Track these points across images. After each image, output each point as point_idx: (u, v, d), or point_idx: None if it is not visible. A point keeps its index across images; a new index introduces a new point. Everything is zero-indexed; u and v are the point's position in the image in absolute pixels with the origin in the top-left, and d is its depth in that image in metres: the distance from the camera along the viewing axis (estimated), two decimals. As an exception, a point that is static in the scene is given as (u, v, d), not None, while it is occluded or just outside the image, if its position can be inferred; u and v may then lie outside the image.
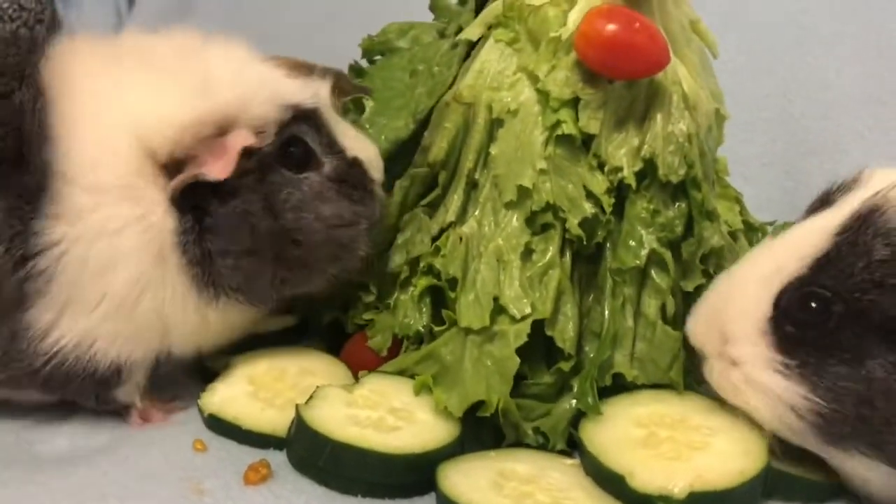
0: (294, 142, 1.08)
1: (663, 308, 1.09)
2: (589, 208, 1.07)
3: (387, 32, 1.25)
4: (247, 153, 1.03)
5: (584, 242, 1.07)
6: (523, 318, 1.04)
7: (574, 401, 1.06)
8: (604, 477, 0.99)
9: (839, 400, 0.93)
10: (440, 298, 1.10)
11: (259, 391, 1.11)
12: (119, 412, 1.11)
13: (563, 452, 1.06)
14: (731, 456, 0.98)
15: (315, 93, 1.11)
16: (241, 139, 1.02)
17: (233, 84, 1.05)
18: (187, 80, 1.04)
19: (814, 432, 0.96)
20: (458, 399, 1.03)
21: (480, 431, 1.06)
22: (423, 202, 1.16)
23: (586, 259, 1.10)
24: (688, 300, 1.09)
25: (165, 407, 1.13)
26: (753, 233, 1.16)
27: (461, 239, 1.09)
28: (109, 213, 0.99)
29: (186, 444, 1.06)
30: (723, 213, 1.14)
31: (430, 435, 1.02)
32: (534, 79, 1.09)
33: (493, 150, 1.09)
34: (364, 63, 1.26)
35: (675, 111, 1.09)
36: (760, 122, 1.22)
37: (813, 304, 0.94)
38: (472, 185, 1.12)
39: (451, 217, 1.12)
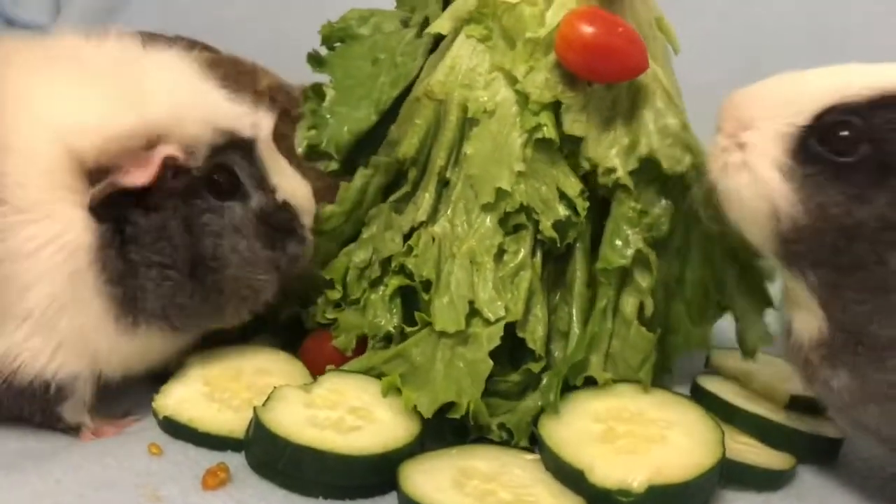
0: (222, 169, 1.06)
1: (641, 308, 1.10)
2: (562, 210, 1.07)
3: (347, 19, 1.23)
4: (175, 172, 1.01)
5: (557, 244, 1.07)
6: (497, 320, 1.04)
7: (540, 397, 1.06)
8: (563, 472, 0.99)
9: (822, 221, 0.92)
10: (411, 298, 1.09)
11: (215, 392, 1.10)
12: (69, 431, 1.08)
13: (523, 448, 1.06)
14: (688, 449, 1.00)
15: (255, 123, 1.09)
16: (166, 150, 1.00)
17: (166, 99, 1.02)
18: (120, 90, 1.02)
19: (778, 240, 0.95)
20: (427, 399, 1.02)
21: (442, 428, 1.06)
22: (392, 198, 1.15)
23: (554, 258, 1.10)
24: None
25: (118, 423, 1.10)
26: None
27: (433, 239, 1.08)
28: (28, 233, 0.98)
29: (141, 449, 1.04)
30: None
31: (390, 434, 1.02)
32: (511, 79, 1.07)
33: (468, 150, 1.07)
34: (324, 50, 1.23)
35: (662, 106, 1.09)
36: (710, 112, 1.23)
37: (845, 133, 0.92)
38: (444, 184, 1.10)
39: (421, 216, 1.10)
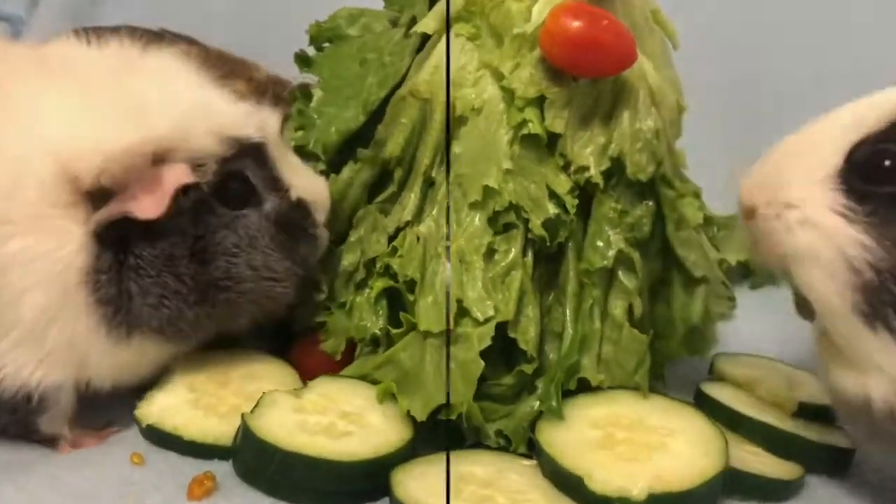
0: (234, 177, 1.02)
1: (630, 309, 1.07)
2: (552, 209, 1.05)
3: (336, 19, 1.22)
4: (184, 190, 0.97)
5: (548, 243, 1.05)
6: (487, 320, 1.02)
7: (537, 402, 1.04)
8: (562, 478, 0.97)
9: None
10: (397, 300, 1.07)
11: (201, 398, 1.06)
12: (46, 443, 1.03)
13: (520, 453, 1.03)
14: (690, 457, 0.97)
15: (262, 124, 1.05)
16: (177, 176, 0.96)
17: (170, 111, 0.98)
18: (121, 102, 0.97)
19: (857, 293, 0.88)
20: (421, 403, 1.00)
21: (436, 433, 1.03)
22: (379, 199, 1.13)
23: (546, 258, 1.07)
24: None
25: (99, 433, 1.06)
26: (710, 227, 1.15)
27: (418, 239, 1.06)
28: (20, 245, 0.94)
29: (123, 459, 1.00)
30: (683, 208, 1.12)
31: (382, 439, 0.99)
32: (498, 76, 1.06)
33: (457, 149, 1.06)
34: (311, 50, 1.21)
35: (642, 108, 1.07)
36: (706, 109, 1.22)
37: (887, 163, 0.88)
38: (429, 184, 1.08)
39: (407, 216, 1.08)
